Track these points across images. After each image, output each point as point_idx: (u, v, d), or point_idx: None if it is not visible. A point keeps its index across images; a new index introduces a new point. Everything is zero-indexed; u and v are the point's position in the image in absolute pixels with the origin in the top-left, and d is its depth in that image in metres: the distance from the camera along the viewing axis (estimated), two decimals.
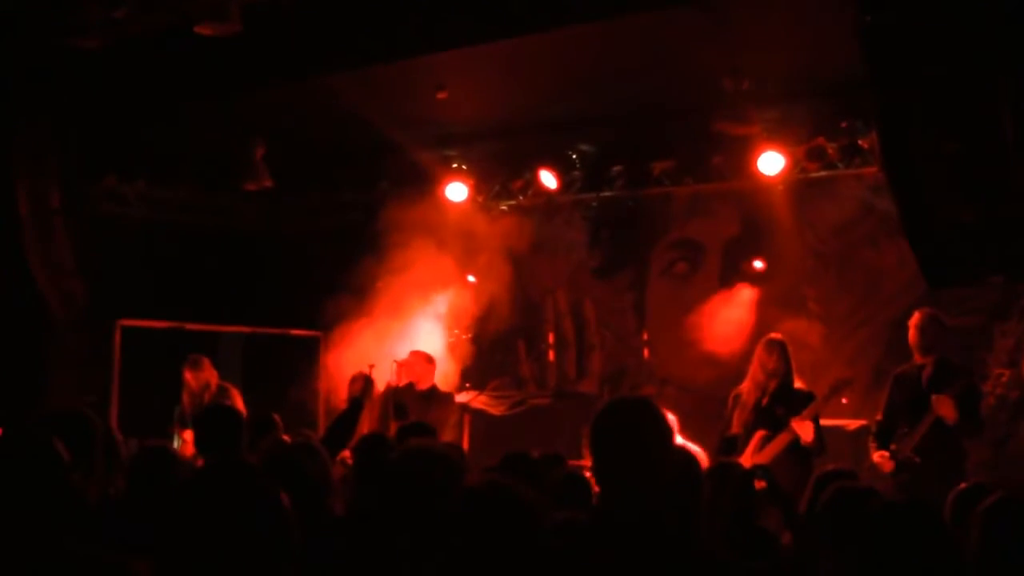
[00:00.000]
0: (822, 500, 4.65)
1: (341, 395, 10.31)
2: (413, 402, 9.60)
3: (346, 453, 7.13)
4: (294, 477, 4.68)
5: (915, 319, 8.05)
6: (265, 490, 3.23)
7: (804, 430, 8.04)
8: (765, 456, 7.91)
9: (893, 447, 7.89)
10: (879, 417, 8.22)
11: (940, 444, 7.69)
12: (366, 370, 8.97)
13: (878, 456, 8.00)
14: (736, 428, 8.40)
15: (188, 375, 9.89)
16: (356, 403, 8.07)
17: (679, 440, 8.87)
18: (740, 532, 5.18)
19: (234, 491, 3.03)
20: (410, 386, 9.85)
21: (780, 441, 8.09)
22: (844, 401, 8.51)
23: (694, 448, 8.90)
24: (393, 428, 9.09)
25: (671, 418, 8.50)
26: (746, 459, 7.85)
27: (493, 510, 3.18)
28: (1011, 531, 3.88)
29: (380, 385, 9.50)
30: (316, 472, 5.14)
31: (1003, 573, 3.84)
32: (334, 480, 5.33)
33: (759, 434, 8.17)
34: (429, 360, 10.06)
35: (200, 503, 2.99)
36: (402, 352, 10.31)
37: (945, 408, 7.65)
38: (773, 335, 8.63)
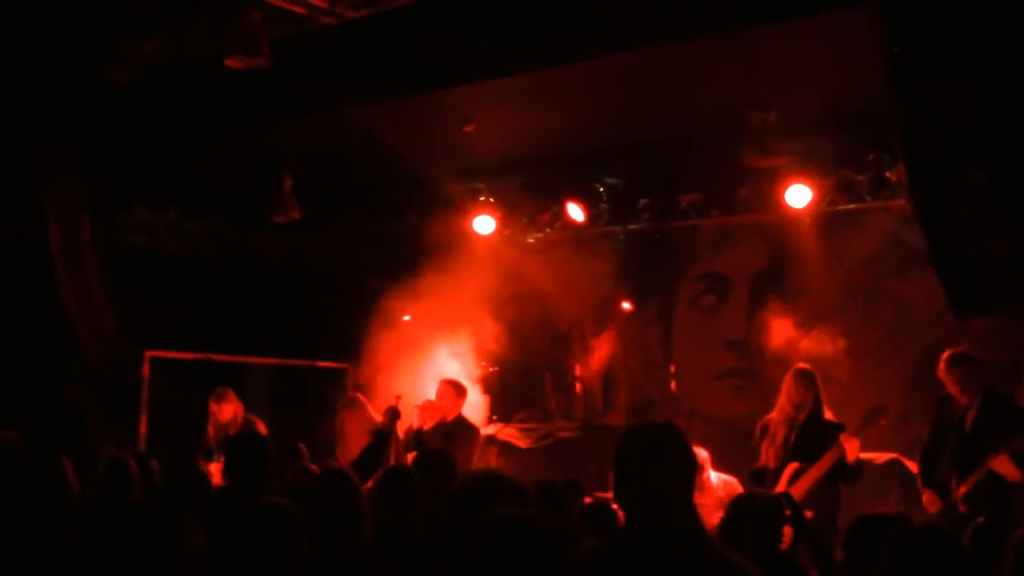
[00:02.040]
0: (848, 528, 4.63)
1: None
2: (435, 444, 9.41)
3: (370, 484, 7.12)
4: (324, 505, 4.70)
5: (940, 367, 7.92)
6: (278, 514, 3.25)
7: (851, 447, 7.93)
8: (799, 489, 7.76)
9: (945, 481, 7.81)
10: (926, 438, 8.13)
11: (991, 497, 7.49)
12: (392, 401, 8.97)
13: (926, 497, 7.94)
14: (765, 460, 8.29)
15: (214, 408, 9.90)
16: (383, 435, 8.07)
17: (713, 474, 8.83)
18: (766, 563, 5.13)
19: (246, 514, 3.05)
20: (435, 427, 9.54)
21: (818, 469, 7.95)
22: (883, 423, 8.33)
23: (729, 479, 8.86)
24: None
25: (703, 453, 8.54)
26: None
27: (518, 540, 3.17)
28: None
29: (405, 417, 9.46)
30: (347, 500, 5.17)
31: None
32: (365, 508, 5.33)
33: (792, 467, 8.04)
34: (459, 392, 9.75)
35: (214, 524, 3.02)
36: (429, 383, 10.27)
37: (1006, 469, 7.51)
38: (801, 365, 8.53)
